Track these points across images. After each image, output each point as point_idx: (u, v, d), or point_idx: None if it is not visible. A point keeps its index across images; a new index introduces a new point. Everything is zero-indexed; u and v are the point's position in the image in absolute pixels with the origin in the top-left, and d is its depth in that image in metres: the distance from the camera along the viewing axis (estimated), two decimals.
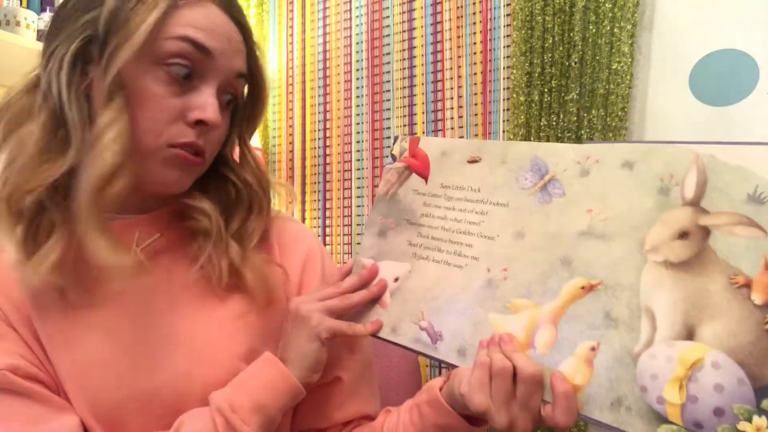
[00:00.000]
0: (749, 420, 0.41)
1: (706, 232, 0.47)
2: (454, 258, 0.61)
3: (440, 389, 0.57)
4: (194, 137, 0.57)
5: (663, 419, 0.45)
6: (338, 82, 1.65)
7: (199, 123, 0.57)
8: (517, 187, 0.59)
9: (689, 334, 0.46)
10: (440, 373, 1.40)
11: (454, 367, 0.57)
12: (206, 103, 0.57)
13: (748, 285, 0.44)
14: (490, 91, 1.41)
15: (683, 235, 0.48)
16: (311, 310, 0.60)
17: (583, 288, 0.52)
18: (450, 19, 1.47)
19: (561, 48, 1.25)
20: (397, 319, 0.62)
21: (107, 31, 0.54)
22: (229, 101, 0.62)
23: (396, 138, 0.71)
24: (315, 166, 1.69)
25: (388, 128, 1.56)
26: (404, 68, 1.54)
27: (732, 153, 0.47)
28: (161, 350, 0.59)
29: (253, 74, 0.64)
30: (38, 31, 1.38)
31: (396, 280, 0.64)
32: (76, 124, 0.54)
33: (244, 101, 0.66)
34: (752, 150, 0.47)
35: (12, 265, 0.56)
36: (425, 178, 0.67)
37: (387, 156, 1.57)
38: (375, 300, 0.64)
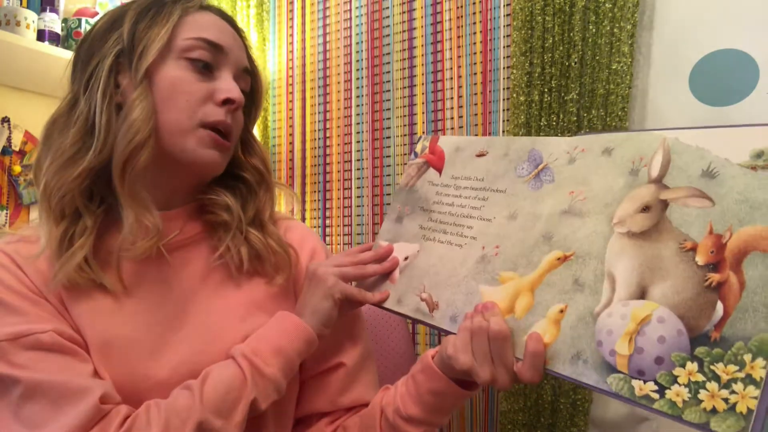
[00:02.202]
0: (683, 366, 0.46)
1: (665, 204, 0.53)
2: (456, 238, 0.67)
3: (432, 358, 0.63)
4: (223, 116, 0.66)
5: (613, 369, 0.50)
6: (338, 82, 1.65)
7: (226, 102, 0.66)
8: (514, 175, 0.66)
9: (642, 294, 0.51)
10: None
11: (446, 332, 0.62)
12: (229, 85, 0.67)
13: (694, 248, 0.49)
14: (490, 91, 1.41)
15: (646, 208, 0.54)
16: (327, 273, 0.68)
17: (558, 259, 0.57)
18: (450, 19, 1.47)
19: (561, 48, 1.25)
20: (403, 292, 0.68)
21: (132, 40, 0.64)
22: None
23: (420, 137, 0.81)
24: (315, 166, 1.69)
25: (388, 128, 1.56)
26: (404, 68, 1.54)
27: (693, 135, 0.53)
28: (178, 332, 0.65)
29: (252, 72, 0.74)
30: (38, 31, 1.38)
31: (406, 258, 0.71)
32: (101, 129, 0.62)
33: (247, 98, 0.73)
34: (710, 132, 0.53)
35: (45, 258, 0.63)
36: (440, 171, 0.74)
37: (387, 156, 1.57)
38: (386, 276, 0.71)
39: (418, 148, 0.79)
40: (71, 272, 0.61)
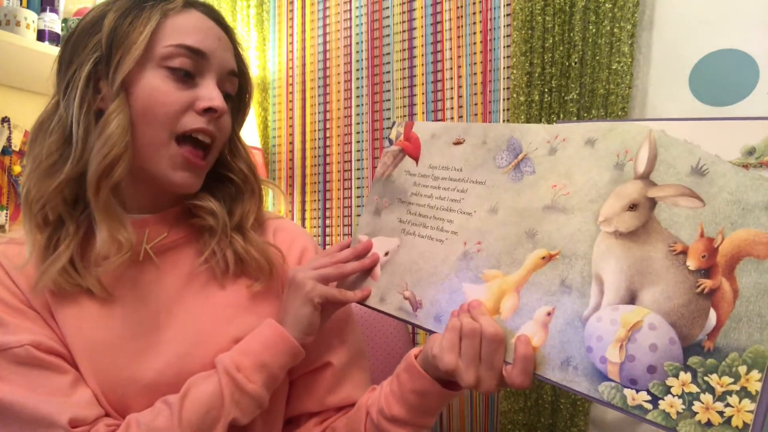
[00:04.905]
0: (676, 376, 0.45)
1: (653, 203, 0.50)
2: (436, 233, 0.65)
3: (416, 357, 0.62)
4: (205, 124, 0.64)
5: (604, 377, 0.48)
6: (338, 82, 1.65)
7: (208, 111, 0.64)
8: (494, 166, 0.63)
9: (632, 299, 0.49)
10: None
11: (431, 332, 0.61)
12: (212, 93, 0.64)
13: (684, 251, 0.47)
14: (490, 91, 1.41)
15: (633, 206, 0.51)
16: (306, 278, 0.66)
17: (543, 258, 0.55)
18: (450, 19, 1.47)
19: (561, 48, 1.25)
20: (385, 290, 0.66)
21: (110, 47, 0.61)
22: (226, 98, 0.68)
23: (393, 123, 0.77)
24: (315, 166, 1.69)
25: (388, 128, 1.56)
26: (404, 68, 1.54)
27: (681, 128, 0.50)
28: (164, 335, 0.64)
29: (242, 72, 0.71)
30: (38, 31, 1.38)
31: (386, 254, 0.69)
32: (78, 140, 0.61)
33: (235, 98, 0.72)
34: (698, 125, 0.50)
35: (32, 264, 0.62)
36: (416, 159, 0.71)
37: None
38: (367, 273, 0.69)
39: (393, 134, 0.75)
40: (56, 276, 0.60)
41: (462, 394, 0.70)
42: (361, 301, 0.68)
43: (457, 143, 0.68)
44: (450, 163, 0.67)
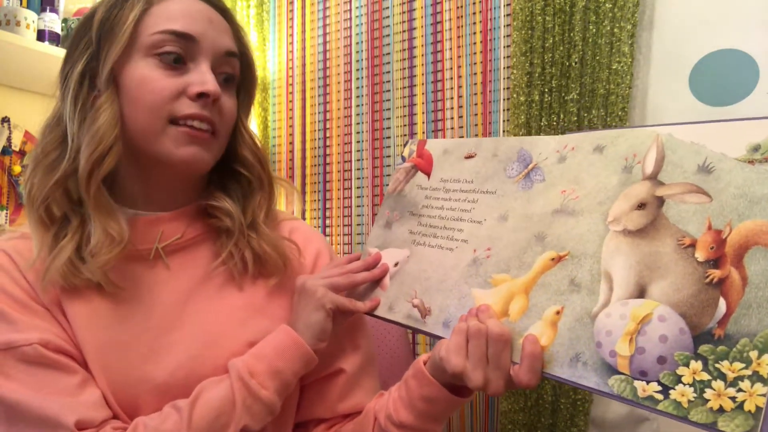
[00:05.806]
0: (687, 365, 0.45)
1: (661, 201, 0.52)
2: (446, 242, 0.66)
3: (425, 363, 0.61)
4: (198, 109, 0.61)
5: (614, 371, 0.48)
6: (338, 82, 1.65)
7: (201, 96, 0.61)
8: (504, 176, 0.65)
9: (641, 293, 0.50)
10: None
11: (439, 338, 0.61)
12: (204, 77, 0.62)
13: (693, 245, 0.48)
14: (490, 91, 1.41)
15: (641, 205, 0.52)
16: (316, 285, 0.66)
17: (552, 260, 0.56)
18: (450, 19, 1.47)
19: (561, 48, 1.25)
20: (393, 299, 0.67)
21: (99, 41, 0.61)
22: (227, 79, 0.66)
23: (407, 142, 0.78)
24: (315, 166, 1.69)
25: (388, 128, 1.56)
26: (404, 68, 1.54)
27: (687, 131, 0.52)
28: (175, 336, 0.63)
29: (242, 53, 0.69)
30: (38, 31, 1.38)
31: (396, 264, 0.69)
32: (73, 136, 0.61)
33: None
34: (705, 127, 0.51)
35: (41, 260, 0.62)
36: (428, 174, 0.73)
37: (387, 156, 1.57)
38: (376, 283, 0.69)
39: (406, 152, 0.77)
40: (62, 268, 0.59)
41: (470, 400, 0.69)
42: (370, 312, 0.68)
43: (469, 157, 0.69)
44: (461, 175, 0.69)
